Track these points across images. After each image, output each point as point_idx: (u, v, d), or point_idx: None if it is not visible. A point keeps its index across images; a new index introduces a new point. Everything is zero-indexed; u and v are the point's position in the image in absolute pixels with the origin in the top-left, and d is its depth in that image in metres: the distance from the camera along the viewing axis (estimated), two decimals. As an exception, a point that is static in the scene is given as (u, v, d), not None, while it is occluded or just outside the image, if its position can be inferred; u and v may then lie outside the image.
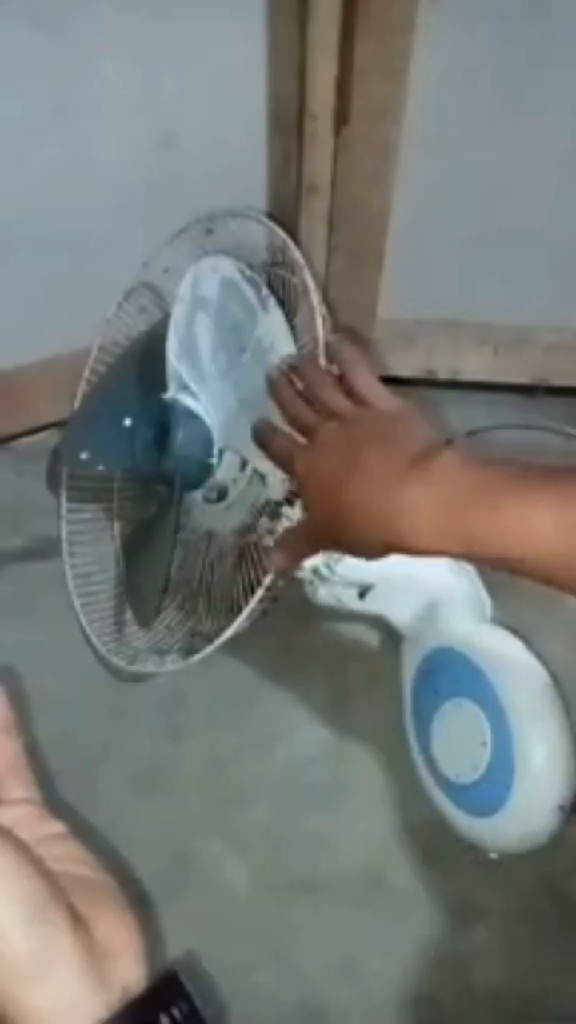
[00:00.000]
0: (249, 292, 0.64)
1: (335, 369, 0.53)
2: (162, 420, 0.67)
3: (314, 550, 0.48)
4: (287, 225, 0.67)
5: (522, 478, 0.36)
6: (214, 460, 0.67)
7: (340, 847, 0.71)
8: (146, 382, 0.71)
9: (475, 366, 1.02)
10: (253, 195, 0.92)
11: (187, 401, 0.68)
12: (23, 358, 0.92)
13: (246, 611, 0.60)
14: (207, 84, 0.82)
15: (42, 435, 0.98)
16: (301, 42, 0.78)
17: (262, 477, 0.64)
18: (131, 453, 0.70)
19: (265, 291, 0.63)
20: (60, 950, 0.24)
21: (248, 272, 0.64)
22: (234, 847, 0.71)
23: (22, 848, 0.25)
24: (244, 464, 0.66)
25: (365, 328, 1.00)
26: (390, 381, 0.48)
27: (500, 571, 0.36)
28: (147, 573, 0.72)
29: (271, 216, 0.67)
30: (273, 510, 0.64)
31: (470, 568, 0.74)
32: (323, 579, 0.72)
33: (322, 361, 0.56)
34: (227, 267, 0.65)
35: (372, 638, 0.82)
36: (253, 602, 0.59)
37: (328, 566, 0.70)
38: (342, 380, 0.49)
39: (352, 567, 0.69)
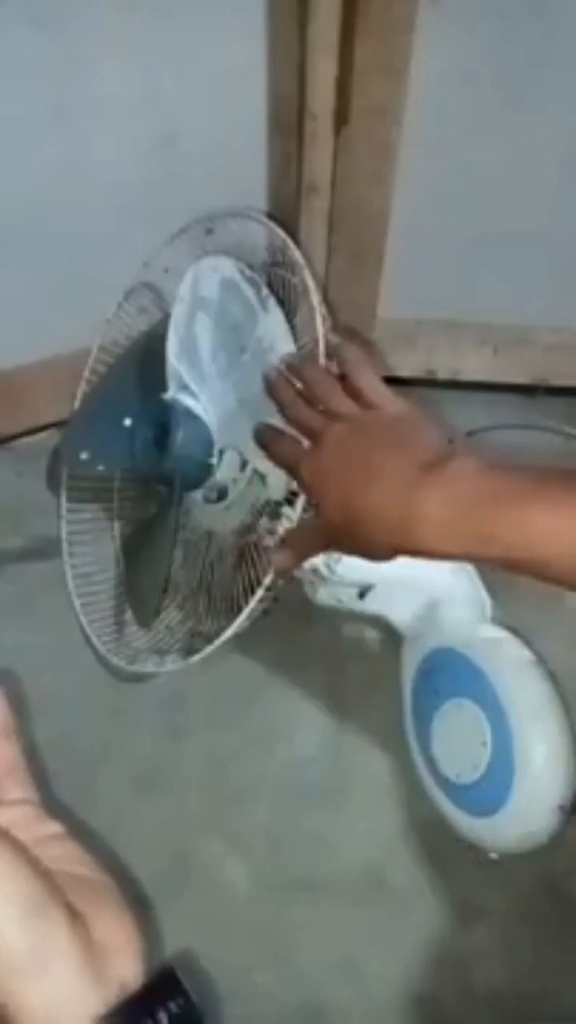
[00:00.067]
0: (249, 292, 0.64)
1: (335, 368, 0.53)
2: (162, 420, 0.67)
3: (321, 551, 0.48)
4: (287, 225, 0.67)
5: (540, 481, 0.36)
6: (214, 460, 0.67)
7: (340, 847, 0.71)
8: (146, 382, 0.71)
9: (475, 366, 1.02)
10: (253, 195, 0.92)
11: (187, 401, 0.68)
12: (23, 358, 0.92)
13: (246, 611, 0.60)
14: (207, 84, 0.82)
15: (42, 435, 0.98)
16: (301, 42, 0.78)
17: (262, 477, 0.64)
18: (131, 453, 0.70)
19: (265, 291, 0.63)
20: (57, 947, 0.24)
21: (248, 272, 0.64)
22: (234, 847, 0.71)
23: (20, 848, 0.26)
24: (244, 464, 0.66)
25: (365, 328, 1.00)
26: (390, 381, 0.48)
27: (521, 575, 0.36)
28: (147, 573, 0.72)
29: (271, 216, 0.67)
30: (273, 510, 0.64)
31: (470, 568, 0.74)
32: (323, 579, 0.72)
33: (322, 361, 0.56)
34: (227, 267, 0.65)
35: (372, 638, 0.82)
36: (253, 602, 0.59)
37: (328, 566, 0.69)
38: (343, 380, 0.49)
39: (352, 567, 0.69)
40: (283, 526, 0.61)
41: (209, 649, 0.62)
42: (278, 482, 0.63)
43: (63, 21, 0.73)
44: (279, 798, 0.73)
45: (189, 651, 0.67)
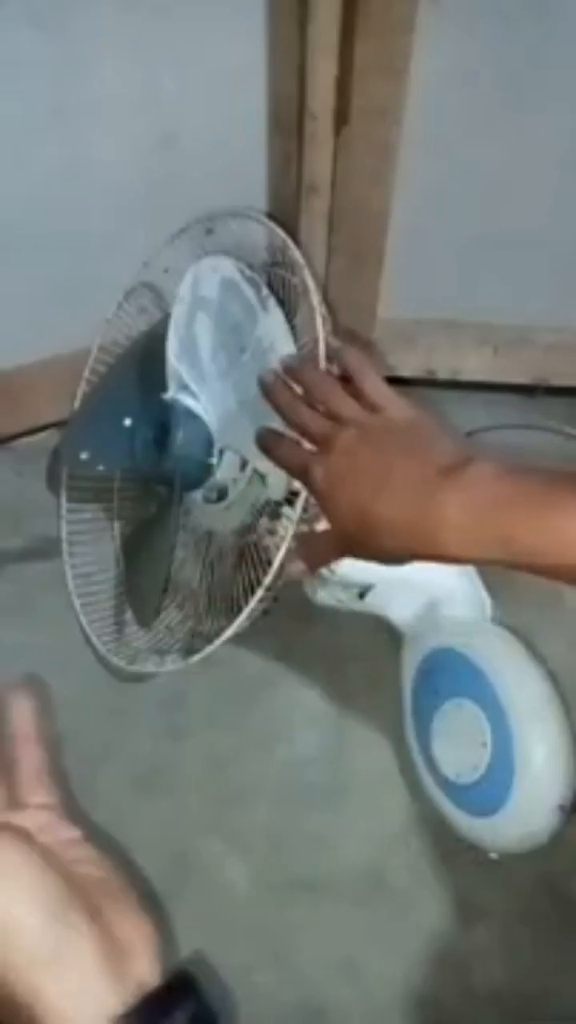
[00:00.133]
0: (249, 292, 0.64)
1: (335, 370, 0.53)
2: (162, 420, 0.67)
3: (334, 558, 0.48)
4: (287, 225, 0.67)
5: (561, 484, 0.36)
6: (214, 460, 0.67)
7: (340, 847, 0.71)
8: (146, 382, 0.71)
9: (475, 366, 1.02)
10: (253, 195, 0.92)
11: (187, 401, 0.68)
12: (23, 358, 0.92)
13: (246, 611, 0.60)
14: (207, 84, 0.82)
15: (42, 435, 0.98)
16: (301, 42, 0.78)
17: (262, 477, 0.64)
18: (131, 453, 0.70)
19: (265, 291, 0.63)
20: (79, 947, 0.25)
21: (248, 272, 0.64)
22: (234, 847, 0.71)
23: (44, 851, 0.27)
24: (244, 464, 0.66)
25: (365, 328, 1.00)
26: (391, 381, 0.48)
27: (541, 577, 0.37)
28: (147, 573, 0.72)
29: (271, 216, 0.67)
30: (273, 510, 0.64)
31: (470, 568, 0.74)
32: (323, 579, 0.72)
33: (322, 363, 0.56)
34: (227, 267, 0.65)
35: (372, 638, 0.82)
36: (253, 602, 0.59)
37: (328, 567, 0.69)
38: (343, 382, 0.49)
39: (352, 568, 0.69)
40: (283, 526, 0.61)
41: (209, 649, 0.62)
42: (278, 482, 0.63)
43: (63, 21, 0.73)
44: (279, 798, 0.73)
45: (189, 651, 0.67)
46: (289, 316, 0.63)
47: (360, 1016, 0.63)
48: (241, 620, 0.60)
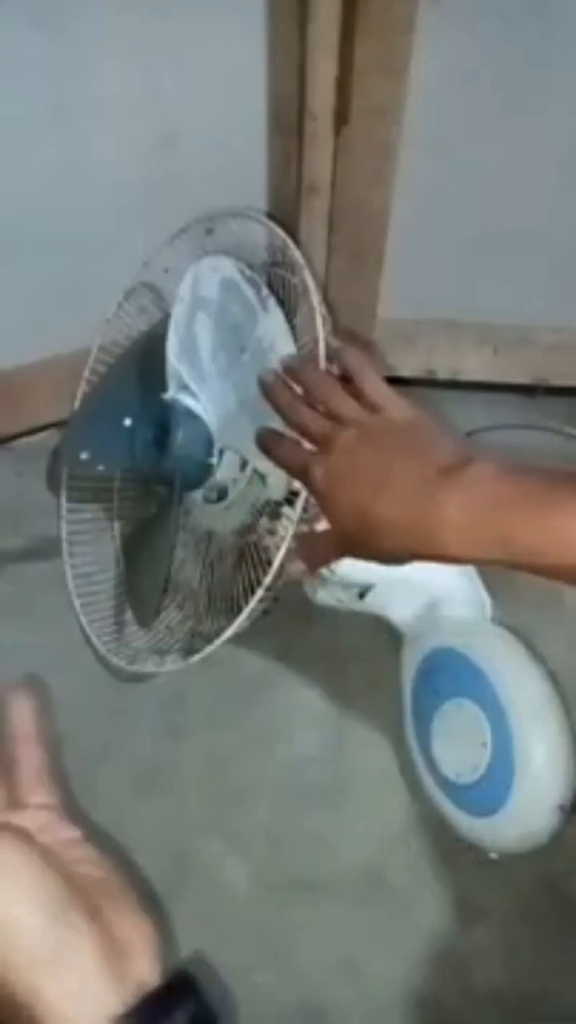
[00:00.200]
0: (249, 292, 0.64)
1: (335, 370, 0.53)
2: (162, 420, 0.67)
3: (335, 559, 0.48)
4: (287, 225, 0.67)
5: (563, 484, 0.36)
6: (214, 460, 0.67)
7: (340, 847, 0.71)
8: (146, 382, 0.71)
9: (475, 366, 1.02)
10: (253, 195, 0.92)
11: (187, 401, 0.68)
12: (23, 358, 0.92)
13: (246, 611, 0.60)
14: (207, 84, 0.82)
15: (42, 435, 0.98)
16: (301, 42, 0.78)
17: (262, 477, 0.64)
18: (131, 453, 0.70)
19: (265, 291, 0.63)
20: (79, 946, 0.25)
21: (248, 272, 0.64)
22: (234, 847, 0.71)
23: (44, 851, 0.27)
24: (244, 464, 0.66)
25: (365, 328, 1.00)
26: (392, 381, 0.48)
27: (543, 577, 0.37)
28: (147, 573, 0.72)
29: (271, 216, 0.67)
30: (273, 510, 0.64)
31: (470, 568, 0.74)
32: (323, 579, 0.72)
33: (322, 363, 0.56)
34: (227, 267, 0.65)
35: (372, 638, 0.82)
36: (253, 602, 0.59)
37: (328, 567, 0.69)
38: (343, 382, 0.49)
39: (352, 568, 0.69)
40: (283, 526, 0.61)
41: (209, 649, 0.62)
42: (278, 482, 0.63)
43: (63, 21, 0.73)
44: (279, 798, 0.73)
45: (189, 651, 0.67)
46: (289, 316, 0.63)
47: (360, 1016, 0.63)
48: (241, 620, 0.60)
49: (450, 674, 0.68)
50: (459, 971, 0.65)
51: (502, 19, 0.77)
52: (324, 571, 0.70)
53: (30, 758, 0.31)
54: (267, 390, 0.52)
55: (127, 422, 0.71)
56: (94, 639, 0.76)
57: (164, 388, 0.69)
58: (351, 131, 0.83)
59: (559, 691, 0.64)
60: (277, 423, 0.52)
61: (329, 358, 0.56)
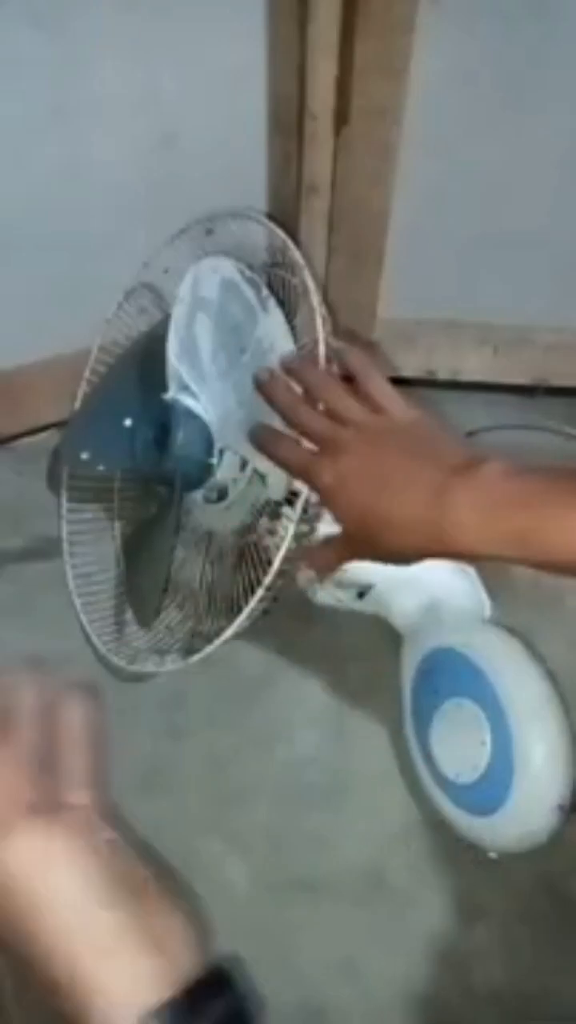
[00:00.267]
0: (249, 293, 0.64)
1: (334, 370, 0.53)
2: (162, 420, 0.67)
3: (346, 561, 0.48)
4: (287, 225, 0.67)
5: (574, 483, 0.37)
6: (214, 460, 0.67)
7: (340, 847, 0.71)
8: (146, 382, 0.71)
9: (475, 366, 1.02)
10: (253, 195, 0.92)
11: (187, 401, 0.68)
12: (23, 358, 0.92)
13: (246, 611, 0.60)
14: (207, 84, 0.82)
15: (42, 435, 0.98)
16: (301, 42, 0.78)
17: (262, 477, 0.64)
18: (131, 453, 0.70)
19: (265, 292, 0.64)
20: (127, 936, 0.27)
21: (248, 273, 0.64)
22: (234, 847, 0.71)
23: (94, 844, 0.29)
24: (244, 464, 0.66)
25: (365, 328, 1.00)
26: (395, 382, 0.48)
27: (556, 575, 0.37)
28: (147, 573, 0.72)
29: (271, 216, 0.67)
30: (273, 510, 0.64)
31: (470, 568, 0.74)
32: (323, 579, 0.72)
33: (321, 364, 0.56)
34: (227, 268, 0.65)
35: (372, 638, 0.82)
36: (253, 602, 0.59)
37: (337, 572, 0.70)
38: (345, 382, 0.49)
39: (353, 568, 0.69)
40: (283, 526, 0.61)
41: (209, 649, 0.62)
42: (278, 482, 0.63)
43: (63, 21, 0.73)
44: (279, 798, 0.73)
45: (189, 651, 0.67)
46: (289, 317, 0.63)
47: (360, 1016, 0.63)
48: (241, 620, 0.60)
49: (450, 674, 0.68)
50: (459, 971, 0.65)
51: (502, 19, 0.77)
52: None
53: (76, 759, 0.32)
54: (264, 388, 0.52)
55: (127, 422, 0.71)
56: (94, 639, 0.76)
57: (164, 388, 0.69)
58: (351, 131, 0.83)
59: (558, 691, 0.64)
60: (278, 423, 0.52)
61: (328, 358, 0.56)
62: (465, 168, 0.87)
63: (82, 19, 0.74)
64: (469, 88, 0.82)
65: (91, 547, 0.82)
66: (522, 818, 0.62)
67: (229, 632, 0.61)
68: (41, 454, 0.82)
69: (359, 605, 0.75)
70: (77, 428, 0.78)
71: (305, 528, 0.60)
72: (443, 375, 1.03)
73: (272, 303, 0.63)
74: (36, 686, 0.33)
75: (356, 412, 0.46)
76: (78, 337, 0.83)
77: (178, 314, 0.68)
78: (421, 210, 0.90)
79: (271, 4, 0.79)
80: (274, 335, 0.63)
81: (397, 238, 0.92)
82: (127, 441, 0.70)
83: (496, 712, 0.63)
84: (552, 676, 0.65)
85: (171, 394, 0.69)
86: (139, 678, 0.76)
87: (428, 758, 0.69)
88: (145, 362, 0.72)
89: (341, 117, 0.83)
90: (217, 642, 0.62)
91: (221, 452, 0.67)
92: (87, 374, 0.81)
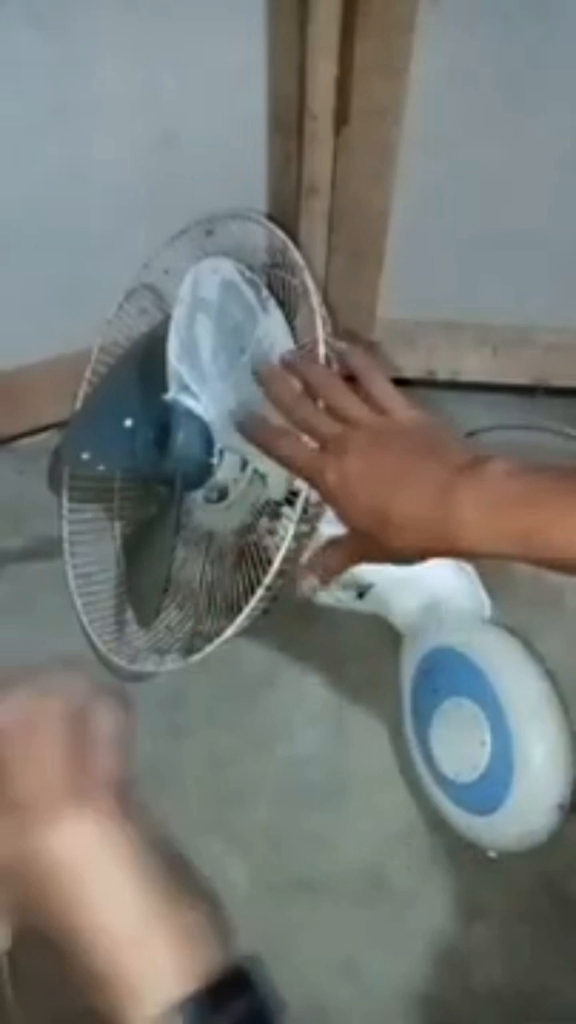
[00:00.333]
0: (249, 293, 0.64)
1: (335, 369, 0.53)
2: (163, 421, 0.67)
3: (355, 564, 0.48)
4: (287, 225, 0.67)
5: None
6: (215, 460, 0.67)
7: (340, 847, 0.71)
8: (147, 383, 0.71)
9: (475, 366, 1.02)
10: (253, 195, 0.92)
11: (188, 402, 0.68)
12: (24, 359, 0.92)
13: (246, 611, 0.60)
14: (207, 84, 0.82)
15: (43, 435, 0.98)
16: (301, 42, 0.78)
17: (262, 477, 0.64)
18: (132, 453, 0.70)
19: (265, 292, 0.64)
20: (157, 929, 0.28)
21: (248, 273, 0.64)
22: (234, 847, 0.71)
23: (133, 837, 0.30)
24: (244, 464, 0.66)
25: (365, 329, 1.00)
26: (396, 382, 0.48)
27: (564, 574, 0.38)
28: (148, 573, 0.72)
29: (271, 217, 0.67)
30: (273, 510, 0.64)
31: (470, 568, 0.74)
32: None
33: (321, 363, 0.56)
34: (227, 268, 0.65)
35: (372, 638, 0.82)
36: (253, 602, 0.60)
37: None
38: (348, 382, 0.49)
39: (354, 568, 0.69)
40: (283, 526, 0.61)
41: (209, 649, 0.62)
42: (278, 482, 0.63)
43: (63, 21, 0.73)
44: (279, 798, 0.73)
45: (189, 651, 0.67)
46: (289, 317, 0.63)
47: (360, 1016, 0.63)
48: (241, 620, 0.60)
49: (449, 673, 0.68)
50: (459, 970, 0.65)
51: (502, 19, 0.77)
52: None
53: (109, 760, 0.33)
54: (266, 383, 0.51)
55: (128, 423, 0.71)
56: (95, 638, 0.76)
57: (165, 389, 0.69)
58: (351, 131, 0.83)
59: (558, 690, 0.64)
60: (276, 419, 0.51)
61: (328, 358, 0.56)
62: (465, 168, 0.87)
63: (82, 19, 0.74)
64: (469, 88, 0.82)
65: (92, 547, 0.82)
66: (522, 817, 0.62)
67: (229, 632, 0.61)
68: (42, 454, 0.82)
69: (359, 605, 0.75)
70: (78, 428, 0.78)
71: (305, 528, 0.60)
72: (443, 375, 1.03)
73: (272, 304, 0.63)
74: (70, 686, 0.34)
75: (359, 411, 0.46)
76: (79, 338, 0.83)
77: (178, 315, 0.68)
78: (421, 210, 0.90)
79: (271, 4, 0.79)
80: (274, 336, 0.63)
81: (397, 238, 0.92)
82: (128, 441, 0.70)
83: (496, 711, 0.63)
84: (551, 675, 0.65)
85: (171, 394, 0.69)
86: (139, 677, 0.76)
87: (428, 758, 0.69)
88: (146, 363, 0.72)
89: (341, 117, 0.83)
90: (217, 642, 0.62)
91: (221, 452, 0.67)
92: (88, 374, 0.81)
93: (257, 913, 0.68)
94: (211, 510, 0.69)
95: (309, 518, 0.59)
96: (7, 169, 0.79)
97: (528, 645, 0.67)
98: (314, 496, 0.58)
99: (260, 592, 0.59)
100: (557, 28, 0.77)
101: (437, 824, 0.69)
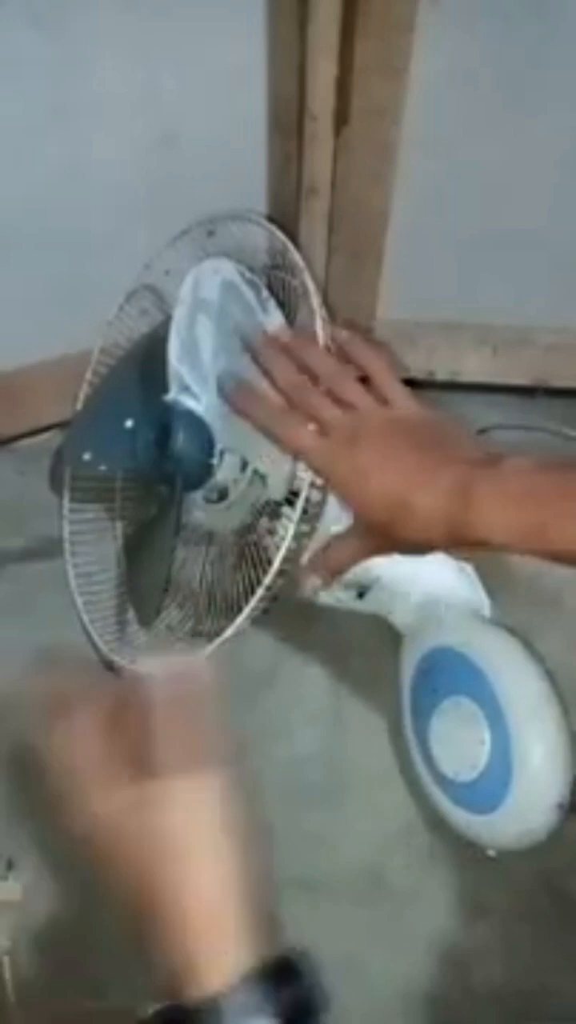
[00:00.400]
0: (249, 294, 0.64)
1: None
2: (163, 421, 0.67)
3: (365, 558, 0.47)
4: (287, 226, 0.67)
5: None
6: (215, 461, 0.67)
7: (340, 847, 0.71)
8: (147, 384, 0.71)
9: (475, 367, 1.02)
10: (253, 195, 0.92)
11: (188, 402, 0.68)
12: (25, 359, 0.92)
13: (246, 611, 0.60)
14: (207, 84, 0.82)
15: (44, 436, 0.98)
16: (301, 42, 0.78)
17: (262, 478, 0.64)
18: (133, 454, 0.70)
19: (265, 293, 0.64)
20: (238, 905, 0.30)
21: (248, 274, 0.64)
22: (235, 846, 0.71)
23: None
24: (244, 465, 0.66)
25: (365, 329, 1.00)
26: (405, 382, 0.48)
27: (569, 565, 0.39)
28: (148, 573, 0.72)
29: (271, 217, 0.67)
30: (273, 510, 0.64)
31: (469, 568, 0.75)
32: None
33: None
34: (228, 269, 0.65)
35: (372, 637, 0.82)
36: (253, 602, 0.60)
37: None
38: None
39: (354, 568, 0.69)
40: (283, 526, 0.61)
41: (209, 649, 0.62)
42: (278, 482, 0.63)
43: (63, 21, 0.73)
44: (278, 797, 0.73)
45: (189, 650, 0.67)
46: (289, 318, 0.63)
47: (360, 1015, 0.63)
48: (241, 620, 0.60)
49: (449, 673, 0.68)
50: (459, 969, 0.65)
51: (502, 19, 0.77)
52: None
53: (214, 742, 0.36)
54: (261, 359, 0.50)
55: (129, 423, 0.71)
56: (96, 638, 0.76)
57: (165, 389, 0.69)
58: (351, 131, 0.83)
59: (557, 690, 0.64)
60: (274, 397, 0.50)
61: (327, 348, 0.56)
62: (465, 168, 0.87)
63: (82, 19, 0.74)
64: (469, 88, 0.82)
65: (92, 547, 0.83)
66: (521, 816, 0.62)
67: (229, 632, 0.61)
68: (43, 455, 0.82)
69: (359, 605, 0.75)
70: (79, 429, 0.78)
71: (305, 528, 0.60)
72: (442, 376, 1.03)
73: (272, 305, 0.63)
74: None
75: (363, 400, 0.46)
76: (79, 338, 0.83)
77: (179, 315, 0.68)
78: (421, 210, 0.90)
79: (271, 4, 0.79)
80: (274, 336, 0.63)
81: (397, 238, 0.92)
82: (128, 442, 0.70)
83: (495, 711, 0.63)
84: (551, 675, 0.65)
85: (172, 395, 0.69)
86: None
87: (427, 757, 0.69)
88: (146, 363, 0.72)
89: (341, 117, 0.83)
90: (217, 642, 0.62)
91: (222, 453, 0.67)
92: (89, 375, 0.82)
93: (257, 912, 0.68)
94: (211, 510, 0.69)
95: (309, 518, 0.59)
96: (7, 169, 0.79)
97: (528, 645, 0.67)
98: (314, 496, 0.58)
99: (260, 592, 0.59)
100: (557, 28, 0.77)
101: (437, 823, 0.69)
